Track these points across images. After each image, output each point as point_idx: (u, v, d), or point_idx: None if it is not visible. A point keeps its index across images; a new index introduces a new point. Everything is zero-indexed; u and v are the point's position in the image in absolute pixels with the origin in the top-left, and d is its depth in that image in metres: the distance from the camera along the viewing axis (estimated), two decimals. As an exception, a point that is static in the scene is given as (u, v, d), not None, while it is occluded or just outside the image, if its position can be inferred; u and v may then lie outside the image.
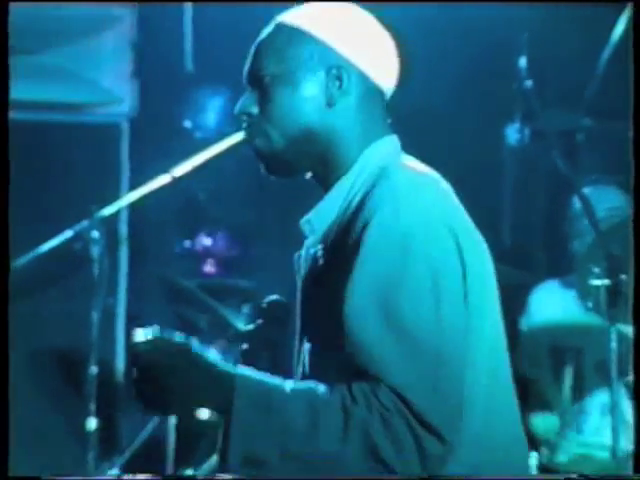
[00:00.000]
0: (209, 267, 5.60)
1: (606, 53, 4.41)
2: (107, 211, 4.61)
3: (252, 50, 2.68)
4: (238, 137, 4.59)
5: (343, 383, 2.44)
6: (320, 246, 2.63)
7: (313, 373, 2.60)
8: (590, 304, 4.35)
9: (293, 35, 2.61)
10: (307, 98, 2.61)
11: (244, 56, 2.73)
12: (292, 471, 2.45)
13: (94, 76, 5.41)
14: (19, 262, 4.63)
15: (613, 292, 4.18)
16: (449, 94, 4.93)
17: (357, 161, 2.61)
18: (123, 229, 5.42)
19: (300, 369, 2.67)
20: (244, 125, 2.66)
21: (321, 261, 2.63)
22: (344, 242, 2.53)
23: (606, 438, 4.47)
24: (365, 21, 2.65)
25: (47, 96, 5.35)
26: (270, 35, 2.67)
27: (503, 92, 4.42)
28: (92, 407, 4.52)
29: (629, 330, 4.42)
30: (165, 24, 5.47)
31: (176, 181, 4.64)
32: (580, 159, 4.48)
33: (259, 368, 2.54)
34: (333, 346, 2.51)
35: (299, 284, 2.73)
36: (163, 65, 5.49)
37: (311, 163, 2.65)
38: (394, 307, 2.41)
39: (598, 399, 4.83)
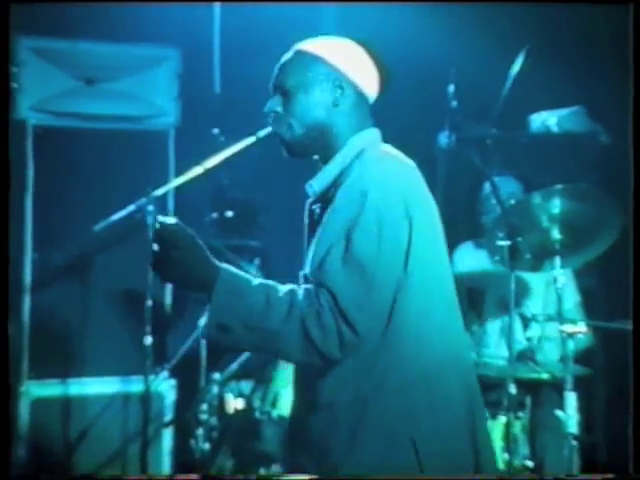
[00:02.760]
0: (230, 231, 5.61)
1: (508, 84, 4.40)
2: (159, 192, 4.63)
3: (276, 69, 2.79)
4: (250, 140, 4.78)
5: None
6: (318, 204, 2.74)
7: None
8: (497, 258, 4.34)
9: (310, 59, 2.75)
10: (319, 100, 2.72)
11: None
12: (250, 340, 2.51)
13: (150, 97, 5.43)
14: (99, 226, 4.62)
15: (512, 250, 4.17)
16: (399, 110, 4.97)
17: (346, 144, 2.72)
18: (170, 204, 5.45)
19: (302, 280, 2.68)
20: (271, 120, 2.78)
21: (316, 215, 2.74)
22: (331, 200, 2.62)
23: (502, 351, 4.59)
24: (357, 51, 2.79)
25: (117, 111, 5.38)
26: (291, 59, 2.77)
27: (437, 109, 4.47)
28: (148, 328, 4.61)
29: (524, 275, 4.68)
30: (200, 61, 5.51)
31: (207, 171, 4.57)
32: (489, 158, 4.49)
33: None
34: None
35: (305, 230, 2.83)
36: (199, 89, 5.54)
37: (318, 146, 2.75)
38: (349, 241, 2.50)
39: (498, 324, 4.89)
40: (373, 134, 2.78)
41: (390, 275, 2.54)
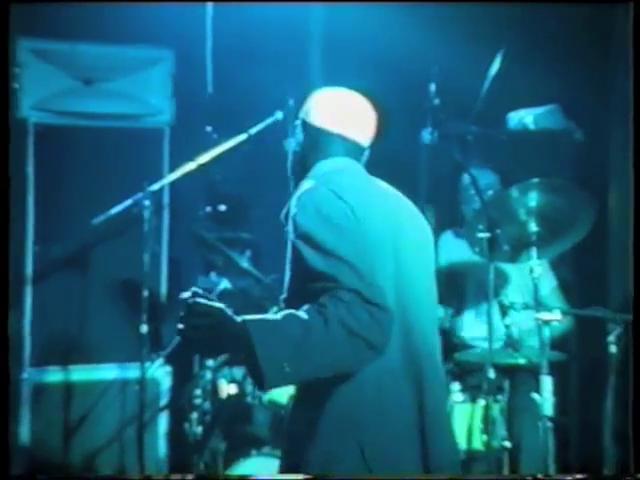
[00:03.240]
0: (223, 224, 5.61)
1: (487, 84, 4.42)
2: (154, 186, 4.70)
3: None
4: (242, 137, 4.82)
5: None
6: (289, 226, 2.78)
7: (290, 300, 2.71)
8: (477, 249, 4.35)
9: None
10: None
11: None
12: (307, 365, 2.50)
13: (146, 96, 5.46)
14: (97, 220, 4.62)
15: (492, 242, 4.18)
16: (384, 108, 5.10)
17: (311, 171, 2.91)
18: (166, 199, 5.50)
19: (283, 304, 2.76)
20: None
21: (289, 235, 2.77)
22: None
23: (479, 332, 4.66)
24: (324, 99, 2.99)
25: (114, 110, 5.41)
26: None
27: (420, 107, 4.48)
28: (144, 317, 4.63)
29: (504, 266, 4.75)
30: (194, 62, 5.49)
31: (200, 166, 4.75)
32: (469, 153, 4.52)
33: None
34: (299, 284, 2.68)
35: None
36: (192, 89, 5.53)
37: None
38: (323, 245, 2.60)
39: (476, 309, 4.96)
40: (337, 161, 2.91)
41: (365, 257, 2.63)
